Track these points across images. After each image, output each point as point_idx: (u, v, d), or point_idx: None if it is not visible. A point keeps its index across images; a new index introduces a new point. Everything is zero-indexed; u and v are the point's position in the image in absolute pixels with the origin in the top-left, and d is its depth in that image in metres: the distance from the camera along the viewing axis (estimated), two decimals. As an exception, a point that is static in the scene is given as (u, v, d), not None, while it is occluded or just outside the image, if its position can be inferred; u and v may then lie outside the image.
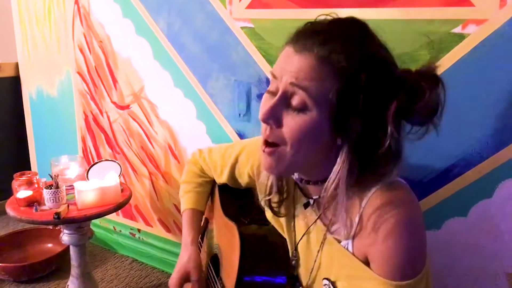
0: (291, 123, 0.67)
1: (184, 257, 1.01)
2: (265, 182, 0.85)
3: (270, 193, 0.85)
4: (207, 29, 1.46)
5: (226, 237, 0.97)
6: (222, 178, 1.06)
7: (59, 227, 2.01)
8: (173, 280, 0.99)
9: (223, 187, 1.08)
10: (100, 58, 1.85)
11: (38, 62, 2.14)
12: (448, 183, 1.08)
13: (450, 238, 1.10)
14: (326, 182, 0.70)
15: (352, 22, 0.69)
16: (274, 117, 0.68)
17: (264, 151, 0.72)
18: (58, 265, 1.84)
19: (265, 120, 0.69)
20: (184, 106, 1.61)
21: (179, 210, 1.76)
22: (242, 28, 1.37)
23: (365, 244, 0.71)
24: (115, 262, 1.94)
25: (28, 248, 1.96)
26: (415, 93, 0.65)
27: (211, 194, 1.14)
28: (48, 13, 1.99)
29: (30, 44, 2.13)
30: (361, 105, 0.63)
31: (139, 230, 1.95)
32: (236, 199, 1.04)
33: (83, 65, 1.93)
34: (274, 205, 0.87)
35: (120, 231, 2.02)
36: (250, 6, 1.33)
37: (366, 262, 0.71)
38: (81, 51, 1.92)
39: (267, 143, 0.71)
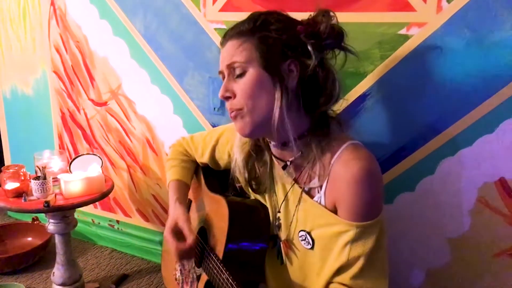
0: (240, 87, 0.89)
1: (174, 212, 1.10)
2: (236, 162, 1.03)
3: (243, 171, 1.02)
4: (182, 30, 1.58)
5: (214, 210, 1.10)
6: (203, 158, 1.20)
7: (37, 221, 2.08)
8: (166, 231, 1.06)
9: (206, 170, 1.22)
10: (77, 57, 1.93)
11: (12, 62, 2.18)
12: (398, 163, 1.25)
13: (401, 211, 1.28)
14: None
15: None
16: (228, 91, 0.90)
17: (231, 117, 0.92)
18: (40, 256, 1.91)
19: (223, 96, 0.92)
20: (161, 102, 1.72)
21: (157, 200, 1.88)
22: (215, 29, 1.50)
23: (334, 194, 0.88)
24: (95, 253, 2.03)
25: (7, 243, 2.01)
26: (311, 23, 0.87)
27: (196, 177, 1.27)
28: (23, 14, 2.04)
29: (4, 45, 2.17)
30: (277, 48, 0.85)
31: (117, 221, 2.05)
32: (218, 179, 1.18)
33: (60, 64, 2.00)
34: (254, 186, 1.03)
35: (99, 223, 2.11)
36: (223, 9, 1.46)
37: (335, 211, 0.88)
38: (57, 51, 1.99)
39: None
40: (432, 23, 1.13)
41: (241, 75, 0.88)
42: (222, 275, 0.96)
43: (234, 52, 0.89)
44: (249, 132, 0.91)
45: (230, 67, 0.90)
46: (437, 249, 1.25)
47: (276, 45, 0.86)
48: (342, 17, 1.25)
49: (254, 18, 0.89)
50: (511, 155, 1.10)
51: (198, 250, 1.17)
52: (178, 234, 1.06)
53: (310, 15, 0.90)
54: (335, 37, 0.87)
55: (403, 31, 1.17)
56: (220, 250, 1.02)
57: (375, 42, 1.21)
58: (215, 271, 1.01)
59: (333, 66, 0.91)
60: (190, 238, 1.02)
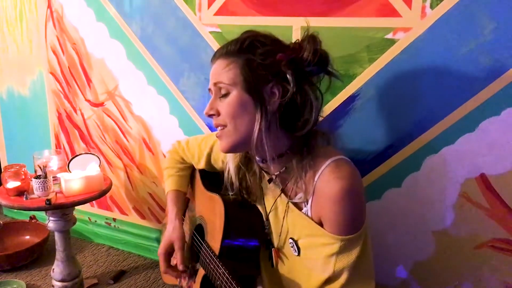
0: (223, 106, 0.93)
1: (170, 229, 1.20)
2: (228, 171, 1.09)
3: (235, 180, 1.08)
4: (178, 33, 1.63)
5: (210, 208, 1.16)
6: (200, 164, 1.26)
7: (35, 220, 2.12)
8: (160, 250, 1.18)
9: (202, 170, 1.28)
10: (73, 59, 1.97)
11: (8, 64, 2.21)
12: (386, 160, 1.32)
13: (388, 206, 1.35)
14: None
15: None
16: (212, 110, 0.95)
17: (217, 136, 0.97)
18: (38, 254, 1.95)
19: (208, 114, 0.96)
20: (157, 102, 1.77)
21: (154, 198, 1.93)
22: (210, 32, 1.55)
23: (319, 208, 0.93)
24: (92, 250, 2.07)
25: (5, 241, 2.04)
26: (297, 48, 0.90)
27: (192, 177, 1.32)
28: (20, 16, 2.08)
29: (0, 46, 2.20)
30: (260, 72, 0.89)
31: (114, 219, 2.09)
32: (214, 178, 1.23)
33: (56, 65, 2.03)
34: (244, 195, 1.10)
35: (96, 221, 2.15)
36: (218, 13, 1.52)
37: (321, 223, 0.94)
38: (54, 52, 2.02)
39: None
40: (416, 28, 1.20)
41: (225, 95, 0.92)
42: (219, 270, 1.02)
43: (220, 72, 0.93)
44: (228, 150, 0.97)
45: (216, 86, 0.94)
46: (422, 242, 1.32)
47: (260, 69, 0.89)
48: (333, 22, 1.32)
49: (242, 39, 0.93)
50: (490, 153, 1.18)
51: (195, 246, 1.23)
52: (171, 253, 1.18)
53: (298, 39, 0.93)
54: (319, 63, 0.90)
55: (389, 36, 1.24)
56: (216, 246, 1.07)
57: (363, 46, 1.27)
58: (211, 266, 1.06)
59: (314, 91, 0.92)
60: (180, 267, 1.12)
